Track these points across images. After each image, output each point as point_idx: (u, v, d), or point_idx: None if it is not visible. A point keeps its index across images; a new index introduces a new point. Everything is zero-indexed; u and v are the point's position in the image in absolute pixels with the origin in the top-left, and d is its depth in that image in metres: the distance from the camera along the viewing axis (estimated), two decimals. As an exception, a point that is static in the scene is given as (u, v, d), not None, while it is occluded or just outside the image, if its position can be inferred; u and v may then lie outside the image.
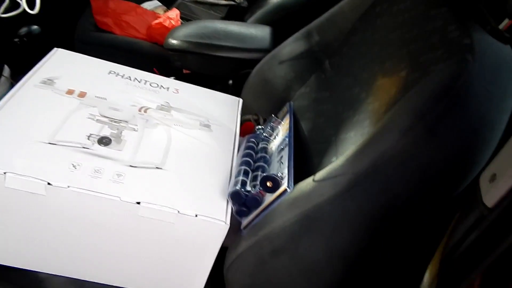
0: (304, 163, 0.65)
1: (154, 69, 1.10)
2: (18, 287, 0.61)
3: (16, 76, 1.00)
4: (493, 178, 0.34)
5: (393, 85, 0.56)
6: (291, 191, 0.52)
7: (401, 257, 0.52)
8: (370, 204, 0.47)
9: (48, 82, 0.65)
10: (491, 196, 0.34)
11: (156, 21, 1.15)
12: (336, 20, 0.79)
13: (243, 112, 0.79)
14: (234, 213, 0.56)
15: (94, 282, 0.62)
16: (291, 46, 0.84)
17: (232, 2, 1.41)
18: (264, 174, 0.56)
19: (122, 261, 0.59)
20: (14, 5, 0.74)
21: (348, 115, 0.63)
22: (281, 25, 1.07)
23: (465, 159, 0.45)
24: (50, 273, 0.61)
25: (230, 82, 1.07)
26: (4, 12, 0.73)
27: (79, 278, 0.61)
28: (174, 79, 1.07)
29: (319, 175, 0.52)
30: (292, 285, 0.56)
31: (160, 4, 1.34)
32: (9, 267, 0.60)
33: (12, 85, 0.98)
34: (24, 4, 0.70)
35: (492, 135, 0.46)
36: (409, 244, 0.51)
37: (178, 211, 0.53)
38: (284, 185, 0.53)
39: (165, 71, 1.10)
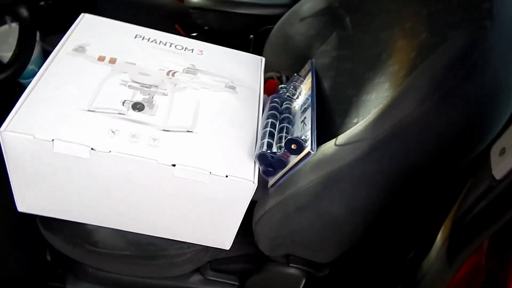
0: (326, 122, 0.68)
1: (177, 26, 1.12)
2: (71, 237, 0.68)
3: (45, 38, 1.04)
4: (502, 151, 0.37)
5: (413, 48, 0.57)
6: (314, 153, 0.56)
7: (415, 217, 0.56)
8: (388, 167, 0.50)
9: (80, 49, 0.69)
10: (500, 169, 0.37)
11: (176, -24, 1.15)
12: None
13: (266, 69, 0.81)
14: (261, 173, 0.61)
15: (135, 233, 0.69)
16: (311, 2, 0.84)
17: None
18: (289, 137, 0.60)
19: (160, 216, 0.65)
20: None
21: (369, 76, 0.65)
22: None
23: (479, 127, 0.48)
24: (97, 224, 0.68)
25: (251, 36, 1.08)
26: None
27: (122, 229, 0.68)
28: (196, 35, 1.09)
29: (341, 139, 0.55)
30: (315, 236, 0.61)
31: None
32: (62, 220, 0.67)
33: (42, 47, 1.01)
34: None
35: (509, 101, 0.48)
36: (424, 206, 0.55)
37: (210, 172, 0.58)
38: (307, 148, 0.57)
39: (187, 28, 1.11)
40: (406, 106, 0.48)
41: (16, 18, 0.75)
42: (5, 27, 0.97)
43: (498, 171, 0.37)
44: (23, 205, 0.65)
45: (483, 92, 0.47)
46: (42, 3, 0.88)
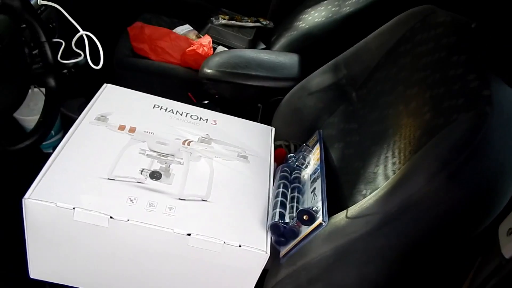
0: (335, 192, 0.70)
1: (189, 94, 1.18)
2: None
3: (64, 102, 1.09)
4: (510, 232, 0.39)
5: (419, 127, 0.61)
6: (326, 225, 0.58)
7: (427, 285, 0.57)
8: (399, 241, 0.52)
9: (102, 118, 0.73)
10: (508, 248, 0.39)
11: (190, 48, 1.22)
12: (362, 55, 0.84)
13: (275, 138, 0.85)
14: (273, 243, 0.62)
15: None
16: (320, 78, 0.90)
17: (259, 24, 1.48)
18: (301, 208, 0.62)
19: (171, 285, 0.66)
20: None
21: (376, 150, 0.69)
22: (308, 51, 1.13)
23: (484, 204, 0.50)
24: (108, 293, 0.68)
25: (260, 105, 1.13)
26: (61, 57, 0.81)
27: None
28: (207, 102, 1.14)
29: (352, 211, 0.57)
30: None
31: (191, 28, 1.41)
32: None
33: (61, 111, 1.06)
34: (89, 61, 0.78)
35: (511, 181, 0.51)
36: (434, 279, 0.56)
37: (224, 242, 0.59)
38: (319, 219, 0.59)
39: (199, 95, 1.17)
40: (415, 183, 0.51)
41: (42, 86, 0.80)
42: (29, 93, 1.03)
43: (507, 251, 0.39)
44: (36, 271, 0.66)
45: (487, 173, 0.50)
46: (65, 71, 0.94)
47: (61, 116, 1.10)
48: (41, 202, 0.56)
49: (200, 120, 0.81)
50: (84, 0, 1.33)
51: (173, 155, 0.70)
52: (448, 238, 0.52)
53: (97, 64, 0.81)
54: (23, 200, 0.56)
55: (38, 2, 0.73)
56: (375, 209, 0.54)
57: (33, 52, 0.78)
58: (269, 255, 0.60)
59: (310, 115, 0.89)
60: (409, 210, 0.51)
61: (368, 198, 0.57)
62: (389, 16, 0.84)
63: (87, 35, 0.83)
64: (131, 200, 0.60)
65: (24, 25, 0.74)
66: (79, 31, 0.80)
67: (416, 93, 0.65)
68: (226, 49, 1.34)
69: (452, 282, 0.56)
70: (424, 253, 0.53)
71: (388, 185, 0.55)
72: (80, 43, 0.86)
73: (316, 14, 1.25)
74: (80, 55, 0.86)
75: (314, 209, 0.61)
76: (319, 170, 0.72)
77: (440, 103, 0.58)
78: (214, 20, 1.40)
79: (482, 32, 0.61)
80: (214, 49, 1.32)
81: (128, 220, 0.58)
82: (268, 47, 1.38)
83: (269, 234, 0.63)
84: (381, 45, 0.79)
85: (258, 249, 0.60)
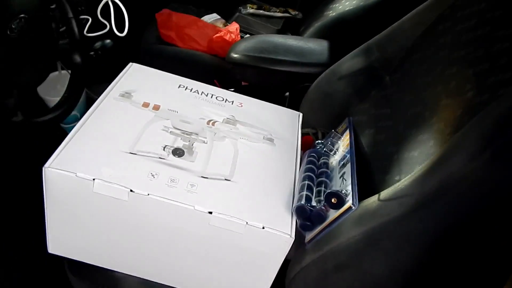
0: (365, 179, 0.66)
1: (215, 81, 1.16)
2: (98, 284, 0.66)
3: (92, 86, 1.09)
4: None
5: (459, 106, 0.56)
6: (356, 208, 0.54)
7: (466, 277, 0.52)
8: (437, 225, 0.48)
9: (126, 95, 0.71)
10: None
11: (217, 34, 1.21)
12: (396, 36, 0.80)
13: (302, 125, 0.81)
14: (298, 227, 0.59)
15: (164, 285, 0.66)
16: (351, 62, 0.86)
17: (288, 14, 1.45)
18: (329, 190, 0.58)
19: (190, 266, 0.63)
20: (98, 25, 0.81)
21: (411, 133, 0.64)
22: (339, 38, 1.09)
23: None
24: (126, 272, 0.66)
25: (287, 94, 1.10)
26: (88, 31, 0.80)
27: (151, 279, 0.66)
28: (233, 90, 1.12)
29: (385, 194, 0.53)
30: None
31: (219, 17, 1.39)
32: (90, 266, 0.65)
33: (87, 94, 1.06)
34: (114, 28, 0.77)
35: None
36: (475, 265, 0.51)
37: (247, 222, 0.56)
38: (349, 202, 0.55)
39: (225, 83, 1.15)
40: (455, 163, 0.47)
41: (68, 64, 0.79)
42: (55, 73, 1.03)
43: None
44: (55, 246, 0.65)
45: None
46: (92, 53, 0.93)
47: (88, 99, 1.10)
48: (61, 171, 0.55)
49: (225, 101, 0.78)
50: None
51: (197, 134, 0.67)
52: (492, 224, 0.48)
53: (122, 32, 0.80)
54: (43, 169, 0.55)
55: None
56: (410, 190, 0.49)
57: (60, 29, 0.77)
58: (293, 240, 0.57)
59: (339, 100, 0.85)
60: (449, 191, 0.46)
61: (403, 181, 0.53)
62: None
63: (112, 1, 0.82)
64: (152, 175, 0.58)
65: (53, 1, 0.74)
66: (103, 0, 0.79)
67: (456, 71, 0.61)
68: (254, 38, 1.32)
69: (494, 277, 0.51)
70: (464, 240, 0.49)
71: (425, 167, 0.51)
72: (105, 15, 0.85)
73: (347, 3, 1.21)
74: (105, 27, 0.85)
75: (343, 192, 0.58)
76: (348, 156, 0.68)
77: (484, 80, 0.54)
78: (242, 9, 1.38)
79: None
80: (242, 37, 1.30)
81: (148, 195, 0.55)
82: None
83: (294, 218, 0.59)
84: (418, 24, 0.75)
85: (283, 232, 0.57)
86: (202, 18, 1.36)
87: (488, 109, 0.49)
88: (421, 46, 0.73)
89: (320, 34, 1.15)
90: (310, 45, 1.04)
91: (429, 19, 0.73)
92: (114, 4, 0.83)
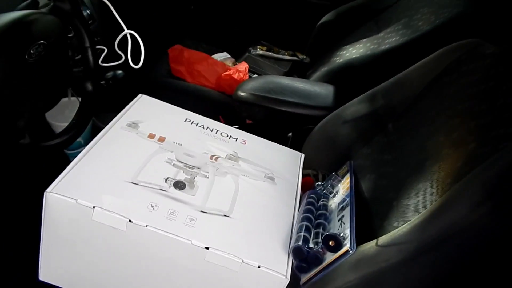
0: (364, 223, 0.66)
1: (220, 116, 1.18)
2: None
3: (99, 115, 1.10)
4: None
5: (460, 156, 0.57)
6: (353, 252, 0.54)
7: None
8: (436, 273, 0.47)
9: (133, 125, 0.72)
10: None
11: (226, 72, 1.24)
12: (402, 85, 0.82)
13: (304, 166, 0.82)
14: (294, 268, 0.58)
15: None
16: (356, 107, 0.87)
17: (296, 58, 1.49)
18: (327, 233, 0.58)
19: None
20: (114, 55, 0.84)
21: (411, 181, 0.65)
22: (344, 84, 1.12)
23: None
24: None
25: (290, 134, 1.11)
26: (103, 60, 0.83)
27: None
28: (237, 128, 1.14)
29: (383, 239, 0.53)
30: None
31: (229, 56, 1.43)
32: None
33: (93, 122, 1.08)
34: (129, 60, 0.79)
35: None
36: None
37: (243, 260, 0.56)
38: (346, 246, 0.55)
39: (230, 120, 1.17)
40: (456, 212, 0.47)
41: (79, 92, 0.81)
42: (65, 99, 1.05)
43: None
44: (46, 273, 0.64)
45: None
46: (102, 82, 0.95)
47: (94, 127, 1.11)
48: (62, 197, 0.55)
49: (229, 138, 0.79)
50: (129, 22, 1.39)
51: (199, 168, 0.68)
52: (491, 273, 0.47)
53: (136, 64, 0.82)
54: (45, 193, 0.55)
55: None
56: (410, 237, 0.49)
57: (76, 58, 0.80)
58: (288, 281, 0.56)
59: (342, 144, 0.86)
60: (450, 240, 0.46)
61: (402, 227, 0.53)
62: (428, 53, 0.82)
63: (130, 34, 0.84)
64: (152, 207, 0.58)
65: (72, 29, 0.77)
66: (122, 32, 0.81)
67: (459, 123, 0.62)
68: (262, 78, 1.35)
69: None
70: (462, 286, 0.48)
71: (425, 214, 0.51)
72: (122, 46, 0.88)
73: (354, 51, 1.25)
74: (121, 58, 0.87)
75: (341, 235, 0.58)
76: (347, 199, 0.68)
77: (487, 133, 0.55)
78: (252, 50, 1.43)
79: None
80: (250, 77, 1.33)
81: (146, 226, 0.55)
82: (304, 80, 1.38)
83: (291, 258, 0.59)
84: (424, 75, 0.77)
85: (278, 272, 0.56)
86: (213, 56, 1.40)
87: (490, 161, 0.50)
88: (426, 96, 0.75)
89: (327, 79, 1.18)
90: (316, 88, 1.07)
91: (435, 71, 0.75)
92: (132, 36, 0.86)
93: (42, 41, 0.68)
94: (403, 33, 1.14)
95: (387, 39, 1.18)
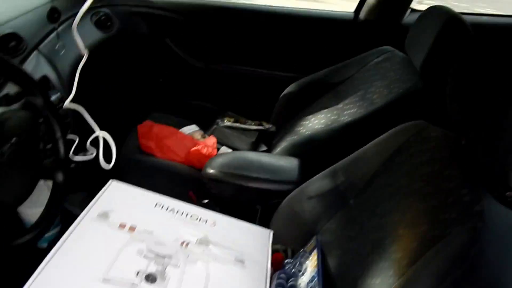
0: None
1: (190, 192, 1.20)
2: None
3: (67, 195, 1.10)
4: None
5: (415, 238, 0.62)
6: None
7: None
8: None
9: (104, 215, 0.74)
10: None
11: (195, 147, 1.28)
12: (360, 163, 0.88)
13: (273, 240, 0.85)
14: None
15: None
16: (319, 183, 0.92)
17: (262, 127, 1.55)
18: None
19: None
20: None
21: (373, 259, 0.68)
22: (308, 157, 1.17)
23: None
24: None
25: (258, 207, 1.14)
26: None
27: None
28: (207, 202, 1.16)
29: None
30: None
31: (197, 128, 1.48)
32: None
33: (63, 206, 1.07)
34: (101, 160, 0.82)
35: None
36: None
37: None
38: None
39: (200, 194, 1.19)
40: None
41: (48, 179, 0.82)
42: (39, 183, 1.05)
43: None
44: None
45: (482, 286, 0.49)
46: (72, 165, 0.97)
47: (62, 210, 1.11)
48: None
49: (199, 220, 0.82)
50: (98, 99, 1.43)
51: (170, 257, 0.69)
52: None
53: (108, 162, 0.84)
54: None
55: (65, 105, 0.78)
56: None
57: (46, 147, 0.82)
58: None
59: (309, 219, 0.90)
60: None
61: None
62: (383, 128, 0.89)
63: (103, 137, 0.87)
64: (123, 304, 0.59)
65: (43, 121, 0.79)
66: (94, 134, 0.84)
67: (411, 203, 0.67)
68: (230, 149, 1.40)
69: None
70: None
71: (384, 299, 0.54)
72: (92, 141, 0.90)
73: (316, 121, 1.33)
74: (91, 152, 0.90)
75: (310, 321, 0.60)
76: (316, 279, 0.71)
77: (435, 216, 0.60)
78: (219, 122, 1.48)
79: (471, 149, 0.65)
80: (218, 149, 1.38)
81: (118, 326, 0.56)
82: (269, 149, 1.44)
83: None
84: (378, 154, 0.83)
85: None
86: (182, 129, 1.45)
87: (439, 247, 0.55)
88: (382, 174, 0.80)
89: (291, 152, 1.23)
90: (282, 162, 1.12)
91: (389, 150, 0.82)
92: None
93: (14, 138, 0.70)
94: (360, 105, 1.23)
95: (346, 111, 1.27)
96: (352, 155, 0.91)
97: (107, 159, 0.87)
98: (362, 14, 1.68)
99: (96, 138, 0.88)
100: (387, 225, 0.71)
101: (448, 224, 0.56)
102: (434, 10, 1.11)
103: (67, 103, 0.76)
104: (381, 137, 0.86)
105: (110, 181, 0.84)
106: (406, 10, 1.64)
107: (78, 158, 0.83)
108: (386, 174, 0.80)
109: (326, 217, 0.88)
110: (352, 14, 1.71)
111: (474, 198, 0.57)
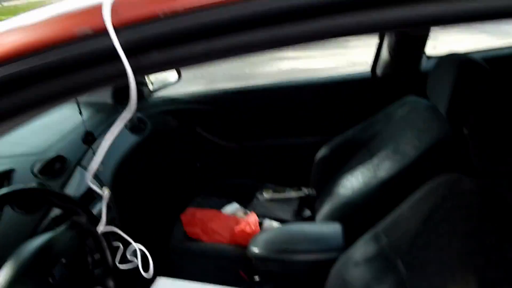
0: None
1: (240, 272, 1.21)
2: None
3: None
4: None
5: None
6: None
7: None
8: None
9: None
10: None
11: (238, 227, 1.30)
12: (399, 223, 0.86)
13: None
14: None
15: None
16: (363, 248, 0.91)
17: (302, 194, 1.56)
18: None
19: None
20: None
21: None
22: (350, 219, 1.16)
23: None
24: None
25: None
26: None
27: None
28: (259, 280, 1.16)
29: None
30: None
31: (239, 206, 1.51)
32: None
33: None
34: (141, 270, 0.85)
35: None
36: None
37: None
38: None
39: (250, 271, 1.19)
40: None
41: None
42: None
43: None
44: None
45: None
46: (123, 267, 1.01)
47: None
48: None
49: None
50: (142, 197, 1.51)
51: None
52: None
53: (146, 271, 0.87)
54: None
55: (99, 230, 0.84)
56: None
57: (95, 258, 0.86)
58: None
59: (360, 286, 0.87)
60: None
61: None
62: (420, 181, 0.88)
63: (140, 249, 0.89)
64: None
65: (89, 235, 0.84)
66: (130, 247, 0.88)
67: (458, 263, 0.65)
68: (274, 221, 1.40)
69: None
70: None
71: None
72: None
73: (354, 180, 1.32)
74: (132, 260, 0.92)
75: None
76: None
77: (484, 275, 0.58)
78: (259, 196, 1.51)
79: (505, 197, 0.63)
80: (261, 223, 1.39)
81: None
82: (313, 214, 1.43)
83: None
84: (417, 212, 0.82)
85: None
86: (224, 209, 1.48)
87: None
88: (423, 233, 0.78)
89: (333, 216, 1.22)
90: (324, 230, 1.11)
91: (426, 207, 0.80)
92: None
93: (63, 260, 0.75)
94: (394, 159, 1.22)
95: (380, 166, 1.26)
96: (391, 215, 0.89)
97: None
98: (378, 70, 1.72)
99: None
100: (438, 285, 0.68)
101: (496, 284, 0.54)
102: (449, 56, 1.14)
103: (101, 228, 0.82)
104: (417, 193, 0.85)
105: (157, 279, 0.87)
106: (421, 58, 1.67)
107: (123, 266, 0.87)
108: (427, 233, 0.78)
109: (377, 282, 0.85)
110: (369, 72, 1.76)
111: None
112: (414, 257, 0.79)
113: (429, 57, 1.69)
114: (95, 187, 0.73)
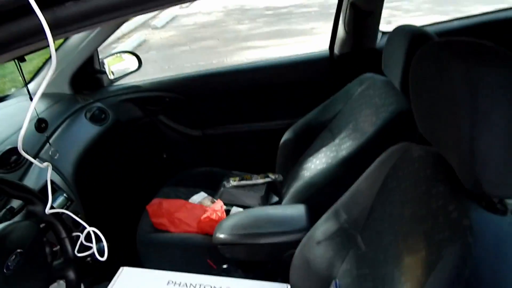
0: None
1: (208, 260, 1.20)
2: None
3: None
4: None
5: (418, 265, 0.61)
6: None
7: None
8: None
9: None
10: None
11: (204, 215, 1.29)
12: (357, 198, 0.87)
13: (294, 296, 0.83)
14: None
15: None
16: (323, 226, 0.92)
17: (268, 179, 1.56)
18: None
19: None
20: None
21: (388, 295, 0.67)
22: (313, 200, 1.17)
23: None
24: None
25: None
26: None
27: None
28: (227, 267, 1.16)
29: None
30: None
31: (206, 195, 1.50)
32: None
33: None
34: (96, 254, 0.84)
35: None
36: None
37: None
38: None
39: (218, 260, 1.19)
40: None
41: (61, 279, 0.84)
42: (54, 285, 1.07)
43: None
44: None
45: None
46: (88, 259, 0.99)
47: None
48: None
49: (213, 290, 0.82)
50: (106, 188, 1.48)
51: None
52: None
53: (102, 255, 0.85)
54: None
55: (46, 211, 0.81)
56: None
57: (54, 249, 0.84)
58: None
59: (323, 264, 0.89)
60: None
61: None
62: (378, 156, 0.90)
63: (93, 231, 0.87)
64: None
65: (46, 225, 0.82)
66: (85, 231, 0.86)
67: (409, 230, 0.67)
68: (241, 209, 1.41)
69: None
70: None
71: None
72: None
73: (317, 162, 1.34)
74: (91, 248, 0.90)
75: None
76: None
77: (431, 238, 0.59)
78: (226, 184, 1.50)
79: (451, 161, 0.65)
80: (229, 211, 1.39)
81: None
82: (280, 199, 1.44)
83: None
84: (371, 185, 0.83)
85: None
86: (191, 199, 1.47)
87: (437, 271, 0.54)
88: (378, 205, 0.80)
89: (297, 199, 1.23)
90: (289, 212, 1.12)
91: (380, 179, 0.82)
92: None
93: (18, 250, 0.73)
94: (354, 137, 1.24)
95: (342, 145, 1.28)
96: (348, 191, 0.91)
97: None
98: (336, 49, 1.74)
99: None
100: (394, 256, 0.70)
101: (442, 245, 0.55)
102: (399, 30, 1.15)
103: (48, 211, 0.80)
104: (371, 167, 0.87)
105: (121, 269, 0.86)
106: (377, 35, 1.69)
107: (81, 254, 0.85)
108: (382, 204, 0.79)
109: (340, 259, 0.87)
110: (327, 51, 1.77)
111: (461, 213, 0.57)
112: (372, 230, 0.80)
113: (384, 33, 1.72)
114: (30, 158, 0.70)
